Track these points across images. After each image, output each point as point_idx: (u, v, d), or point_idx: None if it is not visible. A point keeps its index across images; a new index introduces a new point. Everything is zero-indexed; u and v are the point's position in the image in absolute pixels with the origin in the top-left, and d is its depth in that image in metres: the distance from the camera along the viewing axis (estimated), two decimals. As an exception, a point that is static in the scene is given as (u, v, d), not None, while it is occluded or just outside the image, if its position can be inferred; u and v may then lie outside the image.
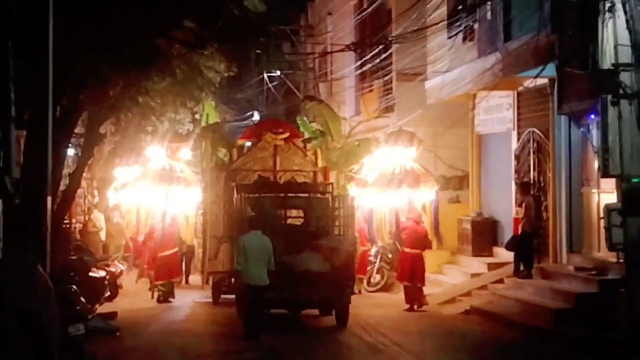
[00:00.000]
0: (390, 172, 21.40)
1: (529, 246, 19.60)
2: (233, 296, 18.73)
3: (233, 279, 18.96)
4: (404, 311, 19.65)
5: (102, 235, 26.46)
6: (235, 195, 19.21)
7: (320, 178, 20.88)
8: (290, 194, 19.42)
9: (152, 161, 23.11)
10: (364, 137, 25.54)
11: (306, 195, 19.54)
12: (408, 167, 21.42)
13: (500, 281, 20.36)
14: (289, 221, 19.73)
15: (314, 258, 17.48)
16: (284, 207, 19.49)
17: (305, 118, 24.80)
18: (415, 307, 19.80)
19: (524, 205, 19.74)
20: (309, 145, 22.03)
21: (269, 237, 16.39)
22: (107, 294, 19.85)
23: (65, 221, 20.83)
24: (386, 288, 22.61)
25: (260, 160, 20.71)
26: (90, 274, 18.82)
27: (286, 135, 21.37)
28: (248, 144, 21.91)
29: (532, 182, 20.53)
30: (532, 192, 20.22)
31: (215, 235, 19.96)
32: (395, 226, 21.82)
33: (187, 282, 24.57)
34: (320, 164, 21.49)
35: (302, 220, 19.73)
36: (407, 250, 20.24)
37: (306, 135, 23.59)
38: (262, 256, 16.05)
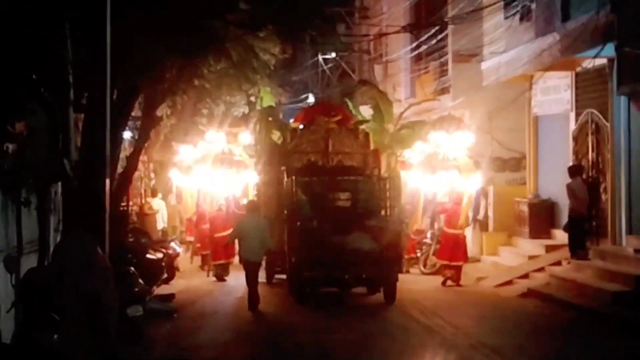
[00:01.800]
0: (435, 157, 21.62)
1: (576, 229, 19.54)
2: (285, 276, 19.52)
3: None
4: (441, 285, 20.71)
5: (161, 219, 26.74)
6: (285, 178, 19.68)
7: (371, 160, 20.94)
8: (338, 177, 19.84)
9: (211, 144, 23.56)
10: (419, 119, 25.46)
11: (353, 177, 19.91)
12: (451, 157, 21.48)
13: (558, 263, 20.22)
14: (339, 203, 19.96)
15: (362, 238, 18.18)
16: (332, 190, 19.90)
17: (349, 103, 24.76)
18: (449, 282, 20.80)
19: (568, 189, 19.78)
20: (360, 128, 22.04)
21: (265, 220, 18.64)
22: (165, 275, 20.08)
23: (123, 204, 21.07)
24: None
25: (313, 143, 20.85)
26: (148, 256, 19.02)
27: (339, 118, 21.61)
28: (301, 126, 22.05)
29: (589, 163, 20.32)
30: (587, 175, 20.09)
31: (268, 216, 20.18)
32: (436, 207, 22.64)
33: (240, 261, 24.79)
34: (372, 146, 21.54)
35: (350, 202, 20.02)
36: (447, 230, 21.21)
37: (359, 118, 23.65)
38: (257, 236, 17.73)
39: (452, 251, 20.92)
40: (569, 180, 19.95)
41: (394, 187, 20.03)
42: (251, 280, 17.83)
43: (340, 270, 17.81)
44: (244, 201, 24.02)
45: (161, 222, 26.91)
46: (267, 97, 23.10)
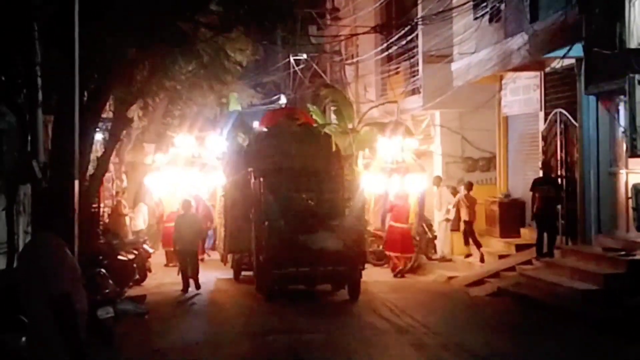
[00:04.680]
0: (385, 160, 23.06)
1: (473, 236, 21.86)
2: (251, 273, 20.42)
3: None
4: (393, 277, 22.09)
5: (142, 221, 26.72)
6: (252, 179, 20.13)
7: (334, 162, 21.19)
8: (303, 178, 20.26)
9: (180, 149, 23.94)
10: (389, 120, 25.63)
11: (318, 178, 20.31)
12: (400, 159, 22.94)
13: (529, 262, 20.31)
14: (304, 203, 20.31)
15: (327, 237, 18.77)
16: (298, 190, 20.25)
17: (315, 107, 25.20)
18: (400, 272, 22.26)
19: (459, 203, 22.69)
20: (323, 131, 22.37)
21: (198, 217, 21.23)
22: (136, 277, 20.08)
23: (94, 205, 21.03)
24: (414, 270, 22.68)
25: (277, 146, 21.09)
26: (119, 257, 19.00)
27: (301, 121, 22.33)
28: (265, 129, 22.38)
29: (558, 162, 20.51)
30: (555, 174, 20.39)
31: (235, 216, 20.98)
32: (386, 206, 23.82)
33: (202, 259, 24.94)
34: (334, 148, 21.77)
35: (315, 202, 20.37)
36: (394, 224, 22.59)
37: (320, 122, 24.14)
38: (191, 231, 20.15)
39: (401, 244, 22.30)
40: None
41: (356, 187, 20.68)
42: (184, 266, 20.22)
43: (306, 267, 18.47)
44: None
45: (142, 224, 26.87)
46: (233, 102, 23.63)
